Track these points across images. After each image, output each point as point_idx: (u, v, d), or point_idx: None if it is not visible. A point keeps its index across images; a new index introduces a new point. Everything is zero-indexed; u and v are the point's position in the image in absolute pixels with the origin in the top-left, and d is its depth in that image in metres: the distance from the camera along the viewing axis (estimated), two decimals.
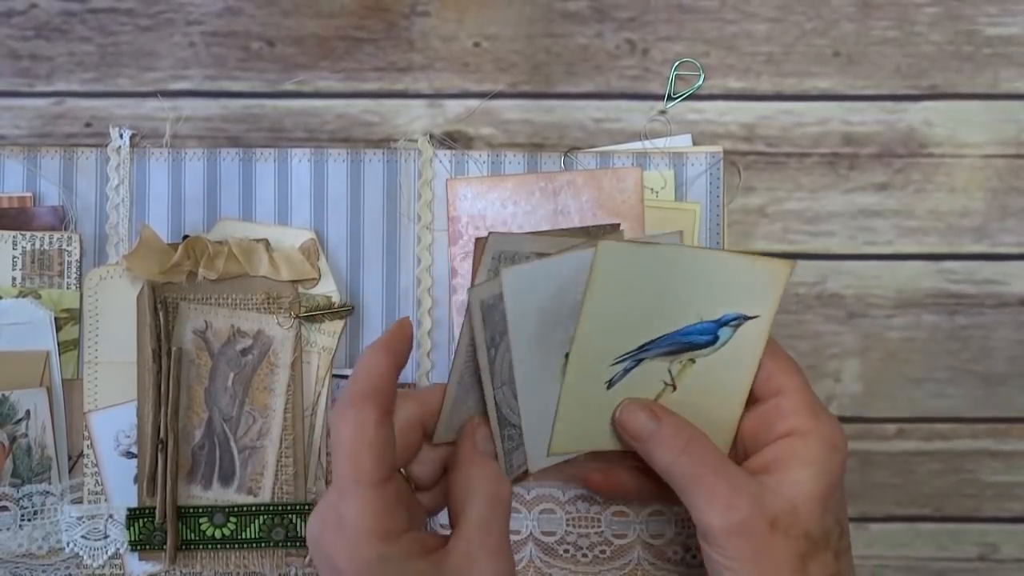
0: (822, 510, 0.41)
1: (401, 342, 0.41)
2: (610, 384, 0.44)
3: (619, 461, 0.48)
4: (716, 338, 0.44)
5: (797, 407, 0.43)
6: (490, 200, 0.52)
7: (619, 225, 0.43)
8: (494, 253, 0.41)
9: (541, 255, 0.41)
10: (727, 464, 0.42)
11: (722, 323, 0.44)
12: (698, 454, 0.42)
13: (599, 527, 0.53)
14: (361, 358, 0.41)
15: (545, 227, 0.52)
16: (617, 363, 0.44)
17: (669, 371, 0.45)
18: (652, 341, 0.44)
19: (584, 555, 0.53)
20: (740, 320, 0.44)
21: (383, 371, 0.40)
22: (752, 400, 0.45)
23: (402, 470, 0.43)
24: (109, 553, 0.53)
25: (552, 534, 0.53)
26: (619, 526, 0.53)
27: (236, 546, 0.53)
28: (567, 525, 0.53)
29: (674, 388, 0.45)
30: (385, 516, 0.38)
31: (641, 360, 0.44)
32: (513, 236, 0.42)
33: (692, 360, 0.45)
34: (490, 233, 0.42)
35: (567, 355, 0.43)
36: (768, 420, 0.44)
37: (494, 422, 0.43)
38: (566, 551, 0.53)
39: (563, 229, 0.43)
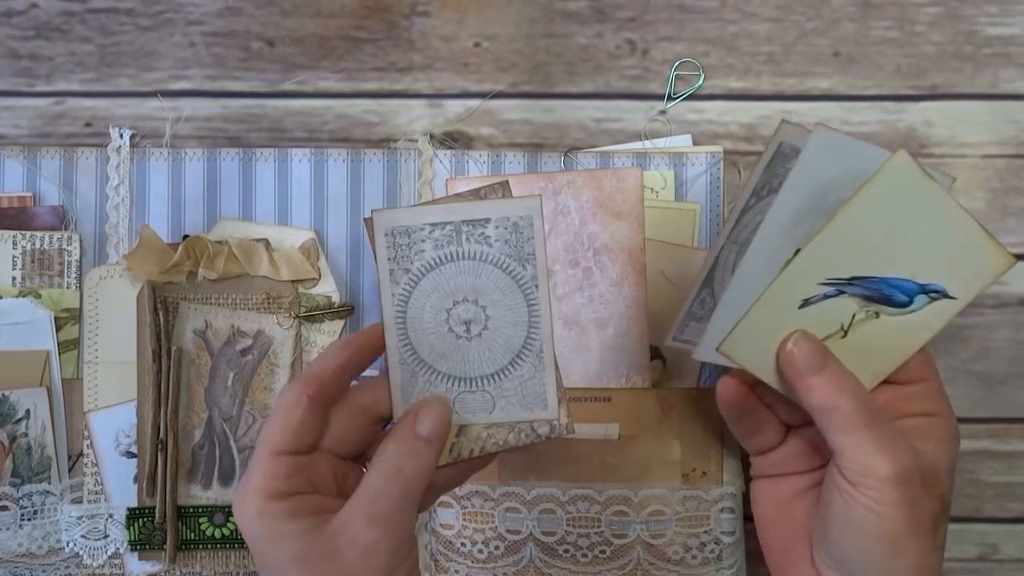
0: (951, 482, 0.45)
1: (365, 342, 0.42)
2: (805, 303, 0.44)
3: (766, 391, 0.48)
4: (911, 302, 0.44)
5: (939, 396, 0.46)
6: None
7: (507, 182, 0.43)
8: (386, 231, 0.41)
9: (435, 225, 0.41)
10: (888, 417, 0.44)
11: (925, 290, 0.44)
12: (866, 401, 0.43)
13: (599, 527, 0.53)
14: None
15: (546, 227, 0.51)
16: (824, 284, 0.43)
17: (853, 315, 0.44)
18: (863, 278, 0.43)
19: (584, 555, 0.53)
20: (940, 295, 0.44)
21: (332, 361, 0.41)
22: (888, 378, 0.46)
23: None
24: (109, 553, 0.53)
25: (552, 534, 0.53)
26: (619, 526, 0.53)
27: (236, 546, 0.53)
28: (567, 525, 0.53)
29: (844, 335, 0.45)
30: (275, 479, 0.40)
31: (842, 293, 0.44)
32: (399, 211, 0.42)
33: (877, 315, 0.44)
34: (373, 211, 0.42)
35: (797, 251, 0.43)
36: (910, 399, 0.46)
37: (702, 276, 0.43)
38: (566, 551, 0.53)
39: (454, 195, 0.42)
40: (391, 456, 0.41)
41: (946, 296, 0.44)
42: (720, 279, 0.43)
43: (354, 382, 0.43)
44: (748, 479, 0.50)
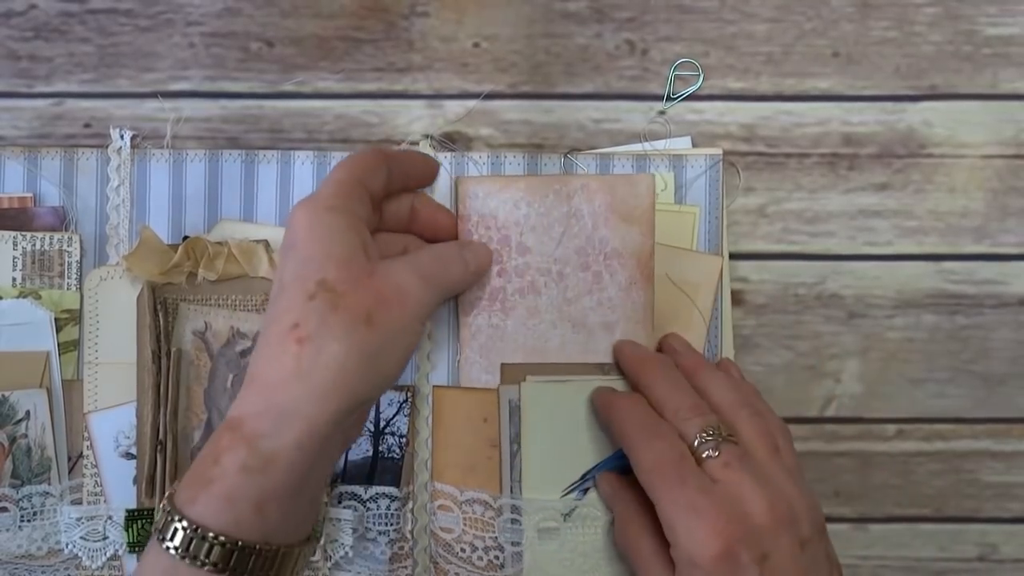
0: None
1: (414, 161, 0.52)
2: (566, 517, 0.51)
3: None
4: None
5: (663, 522, 0.44)
6: (502, 200, 0.51)
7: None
8: None
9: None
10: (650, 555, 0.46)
11: None
12: (632, 541, 0.47)
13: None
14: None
15: (558, 230, 0.51)
16: (567, 494, 0.50)
17: None
18: (593, 467, 0.50)
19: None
20: None
21: (384, 154, 0.48)
22: None
23: None
24: (108, 554, 0.53)
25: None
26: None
27: None
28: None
29: None
30: (344, 198, 0.44)
31: (587, 490, 0.50)
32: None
33: None
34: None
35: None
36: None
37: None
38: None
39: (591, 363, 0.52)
40: (462, 249, 0.49)
41: None
42: None
43: None
44: None
